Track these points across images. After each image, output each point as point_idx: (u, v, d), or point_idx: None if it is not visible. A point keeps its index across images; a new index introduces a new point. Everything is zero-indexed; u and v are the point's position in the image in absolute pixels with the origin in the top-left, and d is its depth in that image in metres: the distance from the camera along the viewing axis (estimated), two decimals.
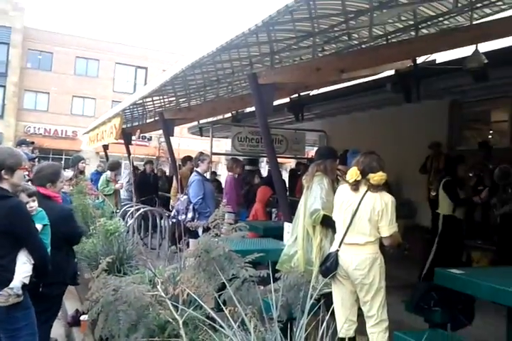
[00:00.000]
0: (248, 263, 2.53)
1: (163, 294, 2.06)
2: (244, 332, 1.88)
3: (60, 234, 2.93)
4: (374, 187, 3.08)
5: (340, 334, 3.10)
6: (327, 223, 3.56)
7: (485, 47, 5.55)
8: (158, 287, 2.10)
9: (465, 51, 5.70)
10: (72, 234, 3.20)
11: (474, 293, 3.12)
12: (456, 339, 2.92)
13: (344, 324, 3.14)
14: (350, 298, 3.16)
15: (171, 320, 1.97)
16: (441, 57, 6.73)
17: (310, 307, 2.09)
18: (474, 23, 5.68)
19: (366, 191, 3.10)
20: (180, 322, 1.94)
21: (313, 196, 3.62)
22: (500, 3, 5.55)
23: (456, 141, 8.41)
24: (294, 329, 1.93)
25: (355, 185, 3.15)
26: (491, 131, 8.63)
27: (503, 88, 7.07)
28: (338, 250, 3.15)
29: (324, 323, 1.91)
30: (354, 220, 3.09)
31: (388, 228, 3.06)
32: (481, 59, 5.42)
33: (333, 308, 2.46)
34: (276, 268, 3.44)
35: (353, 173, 3.15)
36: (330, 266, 3.13)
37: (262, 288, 2.51)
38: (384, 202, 3.06)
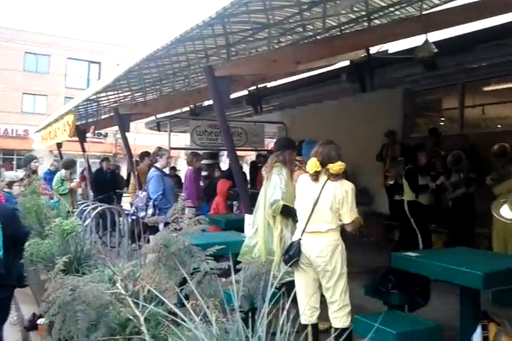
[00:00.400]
0: (210, 256, 2.53)
1: (123, 291, 2.03)
2: (207, 324, 1.88)
3: (7, 235, 2.83)
4: (334, 176, 3.15)
5: (303, 321, 3.15)
6: (287, 213, 3.60)
7: (435, 36, 5.71)
8: (118, 284, 2.06)
9: (416, 41, 5.86)
10: (18, 235, 3.11)
11: (429, 274, 3.25)
12: (413, 319, 3.03)
13: (307, 311, 3.21)
14: (313, 285, 3.22)
15: (132, 318, 1.95)
16: (394, 47, 6.88)
17: (271, 296, 2.11)
18: (424, 13, 5.84)
19: (326, 180, 3.16)
20: (142, 318, 1.92)
21: (272, 186, 3.66)
22: None
23: (410, 129, 8.65)
24: (256, 319, 1.94)
25: (316, 176, 3.20)
26: (442, 118, 8.93)
27: (453, 76, 7.32)
28: (300, 238, 3.21)
29: (285, 311, 1.93)
30: (316, 209, 3.15)
31: (350, 214, 3.14)
32: (431, 48, 5.57)
33: (294, 296, 2.51)
34: (238, 259, 3.46)
35: (313, 164, 3.20)
36: (293, 254, 3.18)
37: (223, 280, 2.52)
38: (344, 189, 3.13)
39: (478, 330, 3.03)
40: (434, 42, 5.61)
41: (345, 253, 3.18)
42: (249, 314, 2.21)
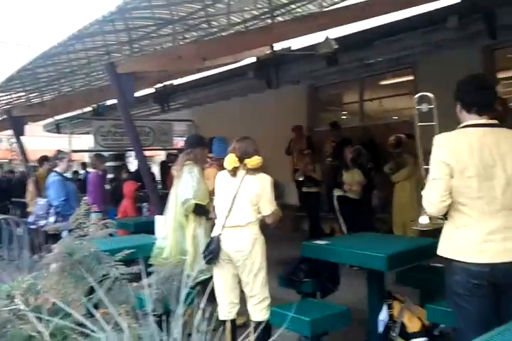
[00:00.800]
0: (119, 261, 2.44)
1: (22, 307, 1.88)
2: (119, 332, 1.80)
3: None
4: (251, 170, 3.19)
5: (221, 317, 3.16)
6: (199, 211, 3.58)
7: (335, 33, 5.97)
8: (17, 300, 1.91)
9: (318, 37, 6.08)
10: None
11: (338, 260, 3.41)
12: (325, 305, 3.16)
13: (226, 306, 3.22)
14: (233, 280, 3.24)
15: (35, 334, 1.81)
16: (297, 43, 7.09)
17: (185, 297, 2.08)
18: (324, 10, 6.07)
19: (245, 175, 3.20)
20: (46, 333, 1.79)
21: (183, 185, 3.61)
22: None
23: (315, 123, 8.99)
24: (171, 321, 1.90)
25: (234, 171, 3.24)
26: (344, 112, 9.38)
27: (353, 71, 7.69)
28: (220, 234, 3.21)
29: (199, 310, 1.91)
30: (235, 203, 3.17)
31: (269, 206, 3.20)
32: (331, 44, 5.81)
33: (210, 293, 2.50)
34: (150, 262, 3.38)
35: (231, 160, 3.23)
36: (213, 249, 3.18)
37: (135, 284, 2.44)
38: (263, 182, 3.20)
39: (384, 309, 3.23)
40: (334, 39, 5.87)
41: (264, 247, 3.23)
42: (165, 317, 2.17)
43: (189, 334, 1.85)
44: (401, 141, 6.04)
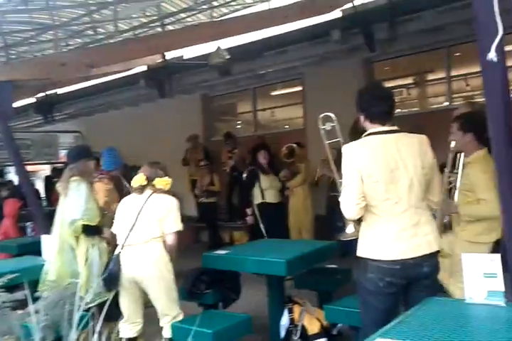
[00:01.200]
0: (1, 287, 2.19)
1: None
2: None
3: None
4: (159, 190, 3.15)
5: (121, 334, 3.01)
6: (90, 232, 3.35)
7: (227, 43, 6.04)
8: None
9: (210, 47, 6.11)
10: None
11: (239, 269, 3.40)
12: (226, 315, 3.13)
13: (129, 324, 3.09)
14: (136, 299, 3.10)
15: None
16: (189, 53, 7.06)
17: (80, 320, 1.91)
18: (215, 20, 6.13)
19: (151, 193, 3.14)
20: None
21: (70, 204, 3.34)
22: (234, 3, 6.10)
23: (210, 133, 9.00)
24: None
25: (140, 189, 3.18)
26: (238, 122, 9.51)
27: (245, 81, 7.85)
28: (120, 252, 3.05)
29: (95, 334, 1.77)
30: (138, 220, 3.07)
31: (174, 225, 3.10)
32: (223, 55, 5.87)
33: (106, 315, 2.32)
34: (39, 289, 3.10)
35: (139, 179, 3.19)
36: (112, 269, 3.02)
37: (21, 312, 2.20)
38: (169, 201, 3.15)
39: (285, 313, 3.28)
40: (226, 49, 5.93)
41: (169, 263, 3.11)
42: None
43: None
44: (293, 151, 6.25)
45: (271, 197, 5.83)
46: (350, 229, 2.55)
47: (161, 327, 3.12)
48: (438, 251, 2.30)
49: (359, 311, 2.44)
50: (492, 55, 1.87)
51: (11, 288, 2.27)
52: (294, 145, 6.30)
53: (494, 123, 2.01)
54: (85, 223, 3.25)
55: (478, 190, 2.82)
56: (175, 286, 3.09)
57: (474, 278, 1.91)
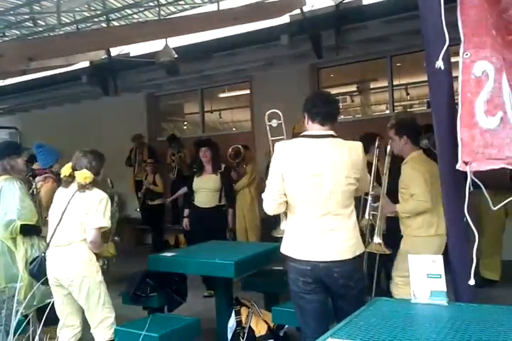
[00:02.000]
0: None
1: None
2: None
3: None
4: (82, 186, 2.89)
5: (61, 339, 2.85)
6: (28, 232, 3.17)
7: (175, 42, 5.95)
8: None
9: (157, 46, 5.99)
10: None
11: (186, 271, 3.34)
12: (173, 318, 3.05)
13: (64, 329, 2.93)
14: (68, 303, 2.93)
15: None
16: (135, 50, 6.89)
17: (17, 325, 1.80)
18: (162, 18, 6.02)
19: (75, 191, 2.91)
20: None
21: (6, 205, 3.15)
22: (182, 2, 6.03)
23: (156, 133, 8.82)
24: None
25: (66, 181, 2.96)
26: (185, 122, 9.40)
27: (193, 82, 7.77)
28: (44, 253, 2.89)
29: (36, 338, 1.67)
30: (62, 220, 2.88)
31: (96, 219, 2.83)
32: (171, 53, 5.78)
33: (45, 319, 2.20)
34: None
35: (67, 169, 2.96)
36: (32, 270, 2.90)
37: None
38: (95, 198, 2.89)
39: (232, 316, 3.25)
40: (174, 48, 5.84)
41: (95, 265, 2.91)
42: None
43: None
44: (239, 152, 6.26)
45: (202, 199, 4.89)
46: (283, 225, 2.62)
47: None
48: (354, 258, 2.33)
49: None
50: (440, 63, 1.95)
51: None
52: (240, 146, 6.32)
53: (440, 128, 2.10)
54: (24, 223, 3.07)
55: (410, 186, 3.05)
56: (104, 289, 2.91)
57: (419, 278, 1.97)
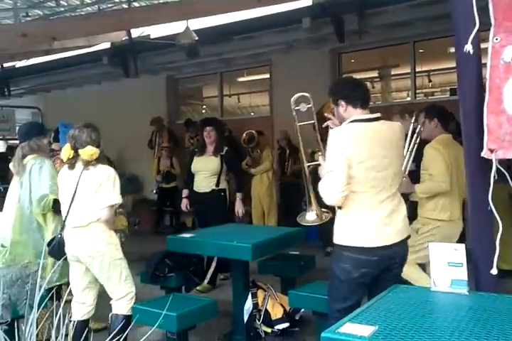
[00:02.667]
0: None
1: None
2: None
3: None
4: (88, 164, 2.88)
5: (73, 317, 2.90)
6: (59, 207, 3.24)
7: (196, 24, 5.91)
8: None
9: (178, 27, 5.96)
10: None
11: (204, 253, 3.37)
12: (191, 298, 3.08)
13: (76, 306, 2.97)
14: (84, 280, 2.98)
15: None
16: (156, 32, 6.86)
17: (40, 300, 1.84)
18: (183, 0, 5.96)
19: (82, 169, 2.89)
20: None
21: (38, 181, 3.22)
22: None
23: (175, 116, 8.83)
24: (23, 327, 1.66)
25: (70, 163, 2.92)
26: (204, 106, 9.38)
27: (212, 65, 7.73)
28: (61, 234, 2.94)
29: (59, 313, 1.71)
30: (74, 201, 2.88)
31: (108, 197, 2.84)
32: (192, 36, 5.74)
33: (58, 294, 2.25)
34: None
35: (66, 151, 2.93)
36: (52, 251, 2.93)
37: None
38: (103, 174, 2.87)
39: (249, 298, 3.28)
40: (195, 31, 5.80)
41: (114, 243, 2.94)
42: (15, 323, 1.90)
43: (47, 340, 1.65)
44: (253, 137, 6.24)
45: (199, 184, 4.60)
46: (311, 216, 2.55)
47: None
48: (408, 236, 2.37)
49: (328, 299, 2.43)
50: (469, 47, 1.90)
51: None
52: (254, 131, 6.30)
53: (466, 114, 2.06)
54: (55, 197, 3.12)
55: (430, 166, 3.06)
56: (125, 264, 2.95)
57: (439, 266, 1.96)
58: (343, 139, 2.22)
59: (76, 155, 2.89)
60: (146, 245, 5.25)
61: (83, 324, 2.92)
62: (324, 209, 2.54)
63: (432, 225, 3.18)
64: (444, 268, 1.95)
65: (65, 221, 2.92)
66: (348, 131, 2.27)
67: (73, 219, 2.89)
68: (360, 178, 2.22)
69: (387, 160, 2.26)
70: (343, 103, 2.35)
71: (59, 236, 2.96)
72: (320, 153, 2.52)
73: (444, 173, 3.02)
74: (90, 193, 2.85)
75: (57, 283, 2.96)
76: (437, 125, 3.17)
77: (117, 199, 2.86)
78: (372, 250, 2.24)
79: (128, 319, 2.85)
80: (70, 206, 2.89)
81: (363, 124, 2.29)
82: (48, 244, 3.00)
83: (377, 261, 2.25)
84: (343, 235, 2.29)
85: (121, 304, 2.92)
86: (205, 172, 4.56)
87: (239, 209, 4.66)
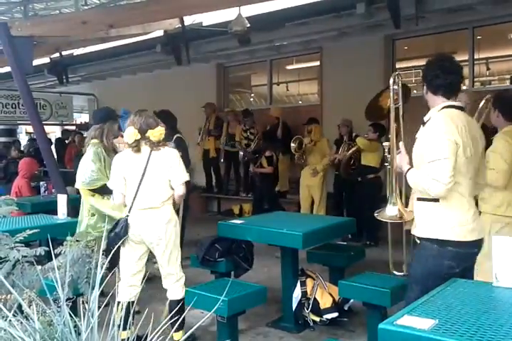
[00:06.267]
0: (20, 242, 2.19)
1: None
2: (26, 319, 1.60)
3: None
4: (156, 145, 2.93)
5: (119, 298, 2.96)
6: (104, 191, 3.39)
7: (248, 12, 5.88)
8: None
9: (229, 15, 5.95)
10: None
11: (254, 239, 3.39)
12: (241, 284, 3.11)
13: (127, 288, 3.01)
14: (139, 263, 3.05)
15: None
16: (208, 20, 6.89)
17: (101, 279, 1.90)
18: None
19: (150, 151, 2.92)
20: None
21: (83, 165, 3.47)
22: None
23: (224, 103, 8.88)
24: (85, 305, 1.73)
25: (136, 146, 2.95)
26: (252, 94, 9.37)
27: (262, 53, 7.69)
28: (128, 216, 2.98)
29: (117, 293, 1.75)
30: (143, 183, 2.92)
31: (181, 175, 2.94)
32: (244, 23, 5.72)
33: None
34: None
35: (131, 134, 2.94)
36: (119, 232, 2.96)
37: (40, 267, 2.21)
38: (171, 155, 2.95)
39: (298, 286, 3.29)
40: (247, 18, 5.77)
41: (177, 226, 3.03)
42: (76, 301, 1.98)
43: None
44: (302, 143, 6.04)
45: None
46: (392, 211, 2.30)
47: (165, 290, 3.05)
48: None
49: (409, 292, 2.25)
50: None
51: (25, 243, 2.28)
52: (301, 137, 6.12)
53: None
54: (103, 182, 3.29)
55: (492, 158, 2.82)
56: (180, 249, 3.04)
57: (503, 261, 1.88)
58: (450, 124, 2.06)
59: (141, 138, 2.92)
60: (194, 230, 5.38)
61: (130, 305, 3.00)
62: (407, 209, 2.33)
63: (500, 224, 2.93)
64: (507, 263, 1.87)
65: (132, 203, 2.94)
66: (450, 116, 2.11)
67: (144, 200, 2.92)
68: (461, 168, 2.08)
69: (478, 149, 2.19)
70: (425, 86, 2.27)
71: (125, 218, 2.96)
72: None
73: (506, 172, 2.84)
74: (162, 173, 2.91)
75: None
76: (498, 115, 3.03)
77: (188, 176, 3.01)
78: (473, 243, 2.16)
79: (183, 303, 2.91)
80: (137, 188, 2.91)
81: (459, 112, 2.17)
82: (111, 229, 3.00)
83: (475, 253, 2.19)
84: (440, 228, 2.14)
85: (177, 289, 2.98)
86: None
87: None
